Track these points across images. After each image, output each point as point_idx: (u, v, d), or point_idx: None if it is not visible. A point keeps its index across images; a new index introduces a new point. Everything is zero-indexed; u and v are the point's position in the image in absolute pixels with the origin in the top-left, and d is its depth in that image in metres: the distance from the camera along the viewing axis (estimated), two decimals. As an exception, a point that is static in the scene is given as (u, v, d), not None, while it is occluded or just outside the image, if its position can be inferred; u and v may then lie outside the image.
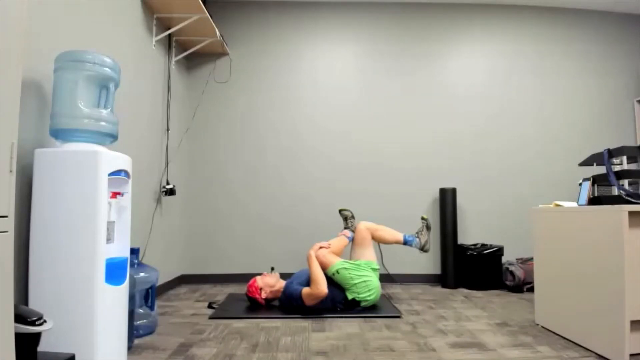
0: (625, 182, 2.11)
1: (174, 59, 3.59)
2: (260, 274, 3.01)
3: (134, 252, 2.25)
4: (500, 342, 2.15)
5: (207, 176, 3.96)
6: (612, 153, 2.19)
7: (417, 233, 3.19)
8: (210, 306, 2.91)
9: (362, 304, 2.78)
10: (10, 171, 1.14)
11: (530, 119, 4.09)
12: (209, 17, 3.28)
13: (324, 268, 2.77)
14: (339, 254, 2.98)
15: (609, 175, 2.13)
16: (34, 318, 1.31)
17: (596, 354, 1.95)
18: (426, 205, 3.98)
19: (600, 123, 4.13)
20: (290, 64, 4.05)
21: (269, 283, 2.87)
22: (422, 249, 3.14)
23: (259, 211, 3.95)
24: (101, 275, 1.63)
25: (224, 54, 4.02)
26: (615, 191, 2.11)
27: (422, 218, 3.25)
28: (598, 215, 1.98)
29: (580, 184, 2.34)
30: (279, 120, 4.02)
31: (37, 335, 1.32)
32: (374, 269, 2.93)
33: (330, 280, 2.74)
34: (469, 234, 3.98)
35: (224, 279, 3.87)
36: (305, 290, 2.67)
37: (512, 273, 3.51)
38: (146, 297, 2.34)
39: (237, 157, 3.98)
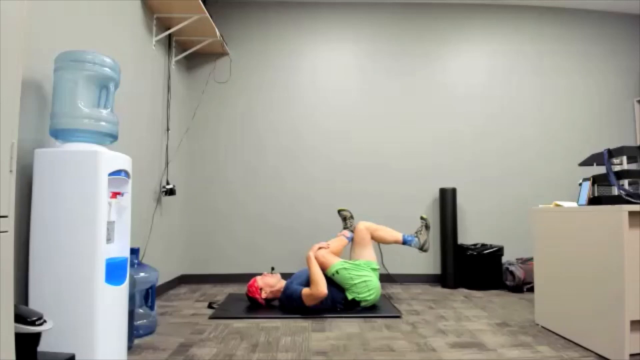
0: (625, 182, 2.11)
1: (174, 59, 3.59)
2: (260, 274, 3.01)
3: (134, 252, 2.25)
4: (500, 342, 2.15)
5: (207, 176, 3.96)
6: (612, 153, 2.19)
7: (416, 233, 3.19)
8: (210, 306, 2.91)
9: (362, 304, 2.78)
10: (10, 171, 1.14)
11: (530, 119, 4.09)
12: (209, 17, 3.28)
13: (323, 268, 2.76)
14: (338, 254, 2.98)
15: (609, 175, 2.13)
16: (34, 318, 1.31)
17: (596, 354, 1.95)
18: (426, 205, 3.98)
19: (600, 123, 4.13)
20: (290, 64, 4.05)
21: (269, 283, 2.87)
22: (422, 248, 3.15)
23: (259, 211, 3.95)
24: (101, 275, 1.63)
25: (224, 54, 4.02)
26: (615, 191, 2.11)
27: (421, 217, 3.25)
28: (598, 215, 1.98)
29: (580, 184, 2.34)
30: (279, 120, 4.02)
31: (37, 335, 1.32)
32: (373, 269, 2.93)
33: (330, 281, 2.74)
34: (469, 234, 3.98)
35: (224, 279, 3.87)
36: (305, 290, 2.67)
37: (512, 273, 3.51)
38: (146, 297, 2.34)
39: (237, 157, 3.98)
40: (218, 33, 3.55)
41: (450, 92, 4.08)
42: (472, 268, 3.60)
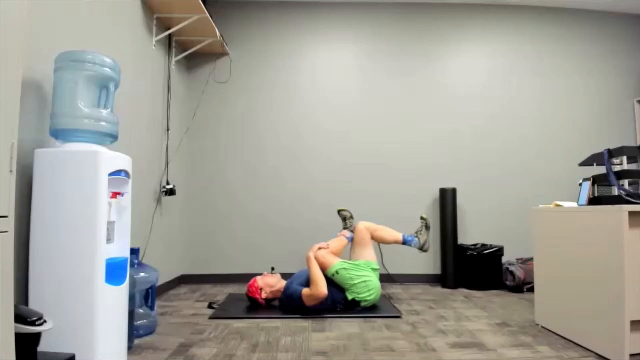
0: (625, 182, 2.11)
1: (174, 59, 3.59)
2: (260, 274, 3.01)
3: (134, 252, 2.25)
4: (500, 342, 2.15)
5: (207, 176, 3.96)
6: (612, 153, 2.19)
7: (416, 233, 3.19)
8: (210, 306, 2.91)
9: (362, 304, 2.78)
10: (10, 171, 1.14)
11: (530, 119, 4.09)
12: (209, 17, 3.28)
13: (323, 269, 2.76)
14: (338, 254, 2.98)
15: (609, 175, 2.13)
16: (34, 318, 1.31)
17: (596, 354, 1.95)
18: (426, 205, 3.98)
19: (600, 123, 4.13)
20: (290, 64, 4.05)
21: (269, 283, 2.88)
22: (421, 248, 3.15)
23: (259, 211, 3.95)
24: (101, 275, 1.63)
25: (224, 54, 4.02)
26: (615, 191, 2.11)
27: (422, 217, 3.25)
28: (598, 215, 1.98)
29: (580, 184, 2.34)
30: (279, 120, 4.02)
31: (37, 335, 1.32)
32: (373, 269, 2.93)
33: (330, 281, 2.74)
34: (469, 234, 3.98)
35: (224, 279, 3.87)
36: (305, 291, 2.67)
37: (512, 273, 3.51)
38: (146, 297, 2.34)
39: (237, 157, 3.98)
40: (218, 33, 3.54)
41: (450, 92, 4.08)
42: (472, 268, 3.60)
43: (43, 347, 1.40)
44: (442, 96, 4.07)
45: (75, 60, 1.70)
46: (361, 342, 2.16)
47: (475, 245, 3.70)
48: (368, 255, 3.05)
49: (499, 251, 3.62)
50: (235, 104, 4.02)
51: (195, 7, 3.12)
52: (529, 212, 3.88)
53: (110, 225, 1.79)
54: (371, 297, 2.79)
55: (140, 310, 2.27)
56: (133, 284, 2.09)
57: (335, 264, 2.78)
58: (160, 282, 3.23)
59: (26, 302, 1.60)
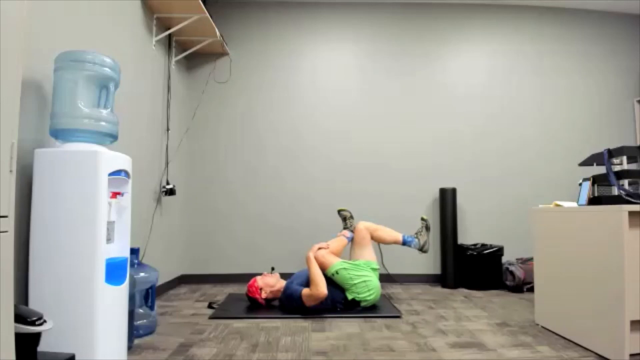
0: (625, 182, 2.11)
1: (174, 59, 3.59)
2: (260, 274, 3.01)
3: (134, 252, 2.25)
4: (500, 342, 2.15)
5: (207, 176, 3.96)
6: (612, 153, 2.19)
7: (416, 234, 3.19)
8: (210, 306, 2.91)
9: (362, 304, 2.78)
10: (10, 171, 1.14)
11: (530, 119, 4.09)
12: (209, 17, 3.28)
13: (323, 269, 2.76)
14: (338, 254, 2.98)
15: (609, 175, 2.13)
16: (34, 318, 1.31)
17: (596, 354, 1.95)
18: (426, 205, 3.98)
19: (600, 123, 4.13)
20: (290, 64, 4.05)
21: (269, 283, 2.88)
22: (421, 249, 3.15)
23: (259, 211, 3.95)
24: (101, 275, 1.63)
25: (224, 54, 4.02)
26: (615, 191, 2.11)
27: (422, 219, 3.25)
28: (598, 215, 1.98)
29: (580, 184, 2.34)
30: (279, 120, 4.02)
31: (37, 335, 1.32)
32: (373, 269, 2.93)
33: (330, 281, 2.74)
34: (469, 234, 3.98)
35: (224, 279, 3.87)
36: (305, 291, 2.67)
37: (512, 273, 3.51)
38: (146, 297, 2.34)
39: (237, 157, 3.98)
40: (218, 33, 3.54)
41: (450, 92, 4.08)
42: (472, 268, 3.60)
43: (43, 347, 1.40)
44: (442, 96, 4.07)
45: (75, 60, 1.70)
46: (361, 342, 2.16)
47: (475, 245, 3.70)
48: (368, 255, 3.05)
49: (499, 251, 3.62)
50: (235, 104, 4.02)
51: (195, 7, 3.12)
52: (529, 212, 3.87)
53: (110, 225, 1.79)
54: (371, 297, 2.79)
55: (140, 310, 2.27)
56: (133, 284, 2.09)
57: (335, 264, 2.78)
58: (160, 282, 3.23)
59: (26, 302, 1.60)
